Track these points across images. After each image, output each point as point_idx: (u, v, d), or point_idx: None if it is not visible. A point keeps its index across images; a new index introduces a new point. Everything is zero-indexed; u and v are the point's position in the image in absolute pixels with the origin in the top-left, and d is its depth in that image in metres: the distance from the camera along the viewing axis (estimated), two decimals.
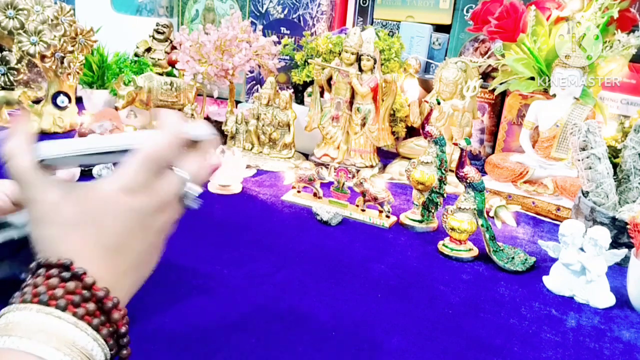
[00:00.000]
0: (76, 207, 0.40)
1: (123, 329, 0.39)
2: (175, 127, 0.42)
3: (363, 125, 1.15)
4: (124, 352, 0.39)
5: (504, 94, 1.20)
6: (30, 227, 0.41)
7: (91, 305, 0.37)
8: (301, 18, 1.42)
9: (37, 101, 1.34)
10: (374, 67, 1.10)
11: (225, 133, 1.22)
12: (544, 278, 0.76)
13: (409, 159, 1.12)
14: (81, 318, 0.36)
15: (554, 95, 1.04)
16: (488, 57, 1.19)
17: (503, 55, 1.13)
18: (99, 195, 0.40)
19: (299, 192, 1.00)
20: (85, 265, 0.38)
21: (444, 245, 0.83)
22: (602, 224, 0.81)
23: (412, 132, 1.27)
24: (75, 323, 0.36)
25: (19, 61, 1.29)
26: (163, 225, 0.42)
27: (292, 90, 1.31)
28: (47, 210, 0.40)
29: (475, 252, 0.82)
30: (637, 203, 0.84)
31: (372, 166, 1.17)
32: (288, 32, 1.45)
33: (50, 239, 0.40)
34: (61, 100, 1.29)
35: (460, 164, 0.81)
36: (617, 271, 0.78)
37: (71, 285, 0.37)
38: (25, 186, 0.41)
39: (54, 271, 0.37)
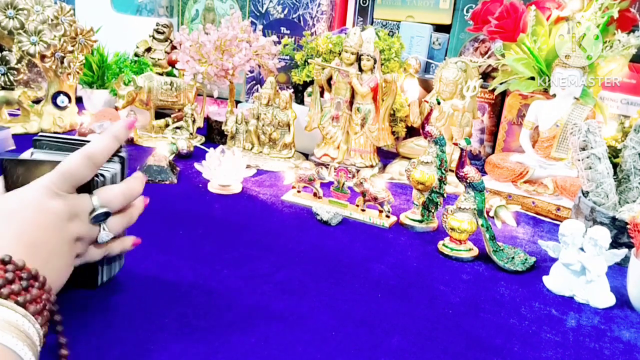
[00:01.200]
0: (3, 202, 0.47)
1: (54, 307, 0.46)
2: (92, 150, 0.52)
3: (363, 125, 1.15)
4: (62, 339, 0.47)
5: (504, 94, 1.20)
6: None
7: (16, 286, 0.42)
8: (301, 18, 1.42)
9: (37, 101, 1.34)
10: (374, 67, 1.10)
11: (225, 133, 1.22)
12: (544, 278, 0.76)
13: (409, 159, 1.12)
14: (6, 297, 0.41)
15: (554, 95, 1.04)
16: (488, 57, 1.19)
17: (503, 55, 1.13)
18: (24, 194, 0.48)
19: (299, 192, 1.00)
20: (9, 254, 0.43)
21: (444, 245, 0.83)
22: (602, 223, 0.81)
23: (412, 132, 1.27)
24: (1, 303, 0.40)
25: (19, 61, 1.29)
26: (72, 236, 0.50)
27: (292, 90, 1.31)
28: None
29: (475, 252, 0.82)
30: (637, 203, 0.84)
31: (372, 166, 1.17)
32: (288, 32, 1.45)
33: None
34: (61, 100, 1.29)
35: (460, 164, 0.81)
36: (617, 271, 0.78)
37: None
38: None
39: None
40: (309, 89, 1.28)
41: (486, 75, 1.26)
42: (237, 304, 0.63)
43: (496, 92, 1.16)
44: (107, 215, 0.53)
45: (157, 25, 1.40)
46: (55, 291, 0.48)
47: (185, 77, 1.27)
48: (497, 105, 1.23)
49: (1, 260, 0.42)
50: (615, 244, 0.78)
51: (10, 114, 1.33)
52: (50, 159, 0.52)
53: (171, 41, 1.40)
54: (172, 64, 1.38)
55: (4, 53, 1.28)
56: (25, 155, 0.55)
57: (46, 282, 0.44)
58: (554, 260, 0.75)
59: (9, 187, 0.52)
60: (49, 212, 0.47)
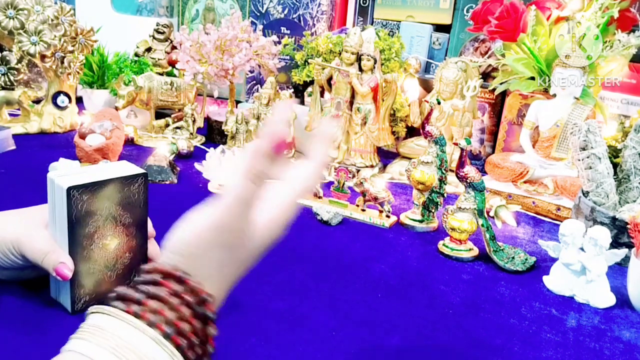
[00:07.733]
0: (220, 221, 0.38)
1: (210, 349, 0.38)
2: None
3: (363, 125, 1.15)
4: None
5: (504, 94, 1.20)
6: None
7: (185, 326, 0.35)
8: (301, 18, 1.42)
9: (37, 101, 1.33)
10: (374, 67, 1.10)
11: (226, 133, 1.22)
12: (544, 278, 0.76)
13: (409, 158, 1.12)
14: (167, 337, 0.34)
15: (554, 95, 1.04)
16: (488, 57, 1.19)
17: (503, 55, 1.13)
18: (243, 226, 0.40)
19: None
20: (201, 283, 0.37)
21: (444, 245, 0.83)
22: (602, 223, 0.81)
23: (412, 132, 1.27)
24: (160, 342, 0.34)
25: (19, 61, 1.29)
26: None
27: (292, 90, 1.31)
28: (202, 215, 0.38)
29: (476, 252, 0.82)
30: (637, 203, 0.84)
31: (372, 166, 1.17)
32: (288, 32, 1.45)
33: (182, 241, 0.38)
34: (61, 100, 1.29)
35: (461, 164, 0.81)
36: (617, 271, 0.78)
37: (173, 301, 0.36)
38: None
39: (158, 277, 0.36)
40: (309, 89, 1.28)
41: (486, 75, 1.26)
42: (237, 304, 0.63)
43: (496, 92, 1.16)
44: None
45: (157, 25, 1.40)
46: None
47: (186, 77, 1.27)
48: (497, 105, 1.23)
49: (201, 299, 0.36)
50: (615, 244, 0.78)
51: (11, 114, 1.33)
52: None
53: (171, 41, 1.40)
54: (172, 64, 1.38)
55: (4, 53, 1.28)
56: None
57: (215, 323, 0.38)
58: (554, 260, 0.75)
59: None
60: (249, 255, 0.43)
